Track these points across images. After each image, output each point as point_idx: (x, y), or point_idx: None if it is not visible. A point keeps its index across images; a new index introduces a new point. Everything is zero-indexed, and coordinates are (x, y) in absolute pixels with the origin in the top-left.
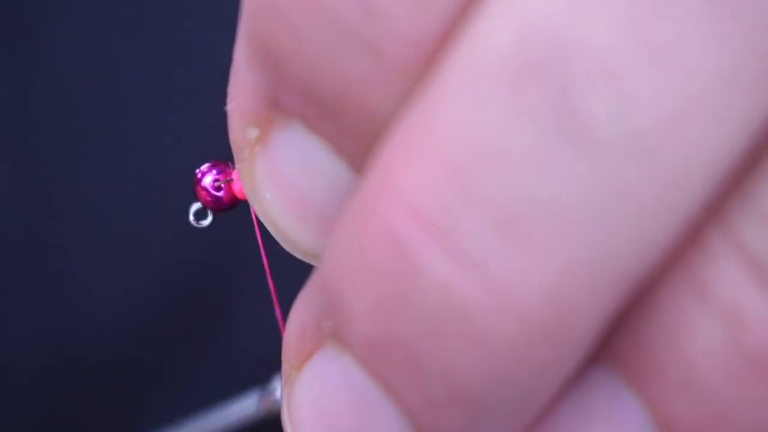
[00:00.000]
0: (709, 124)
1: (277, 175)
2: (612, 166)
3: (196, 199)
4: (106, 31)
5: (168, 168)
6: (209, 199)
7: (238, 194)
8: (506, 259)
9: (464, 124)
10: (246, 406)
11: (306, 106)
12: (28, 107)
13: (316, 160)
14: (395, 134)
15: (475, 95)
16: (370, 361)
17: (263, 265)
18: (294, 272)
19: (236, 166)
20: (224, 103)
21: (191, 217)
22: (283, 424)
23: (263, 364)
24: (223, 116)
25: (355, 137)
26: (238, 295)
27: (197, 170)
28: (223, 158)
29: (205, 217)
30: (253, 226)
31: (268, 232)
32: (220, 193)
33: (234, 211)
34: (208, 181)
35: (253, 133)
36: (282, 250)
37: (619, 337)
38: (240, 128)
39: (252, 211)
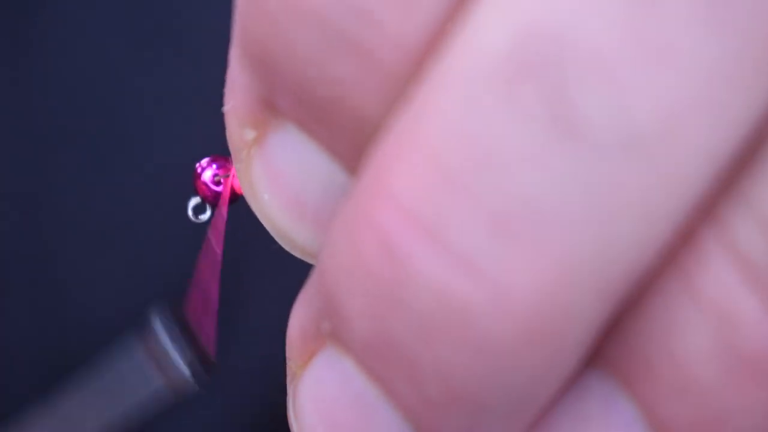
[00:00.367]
0: (704, 122)
1: (274, 176)
2: (607, 166)
3: (194, 195)
4: (106, 31)
5: (168, 169)
6: (209, 193)
7: (238, 190)
8: (500, 260)
9: (457, 125)
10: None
11: (298, 109)
12: (26, 108)
13: (311, 162)
14: (387, 137)
15: (468, 96)
16: (367, 362)
17: (263, 268)
18: (295, 271)
19: (234, 166)
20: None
21: (190, 212)
22: (289, 422)
23: (263, 365)
24: (222, 117)
25: (348, 140)
26: (238, 299)
27: (197, 164)
28: (224, 155)
29: (203, 211)
30: (252, 229)
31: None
32: (220, 188)
33: (233, 214)
34: (207, 175)
35: (250, 134)
36: (280, 249)
37: (613, 341)
38: (236, 129)
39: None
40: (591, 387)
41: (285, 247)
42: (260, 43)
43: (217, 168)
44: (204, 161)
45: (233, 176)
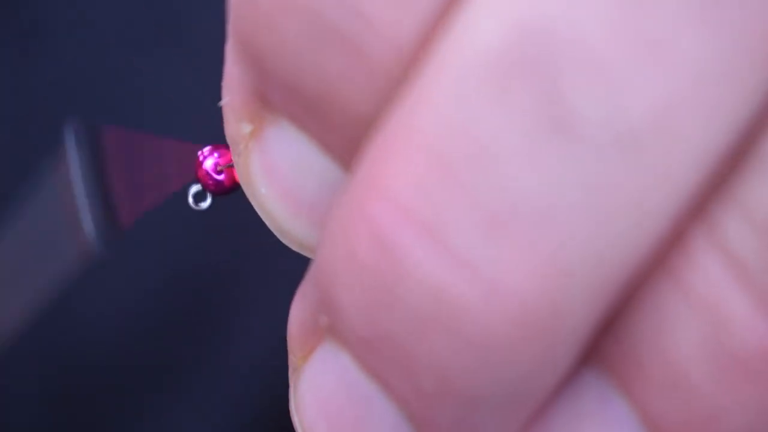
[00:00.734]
0: (698, 119)
1: (271, 170)
2: (600, 164)
3: (195, 182)
4: (107, 26)
5: None
6: (210, 182)
7: (239, 180)
8: (494, 256)
9: (451, 121)
10: None
11: (290, 104)
12: (27, 104)
13: (305, 157)
14: (381, 133)
15: (461, 91)
16: (363, 356)
17: (263, 270)
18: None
19: (233, 160)
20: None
21: (190, 199)
22: (291, 415)
23: (264, 365)
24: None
25: (340, 135)
26: (237, 300)
27: (199, 152)
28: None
29: (204, 199)
30: (251, 232)
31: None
32: (221, 177)
33: (232, 216)
34: (209, 164)
35: (246, 128)
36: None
37: (607, 340)
38: (233, 123)
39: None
40: (586, 385)
41: (283, 240)
42: (252, 38)
43: (219, 157)
44: (206, 149)
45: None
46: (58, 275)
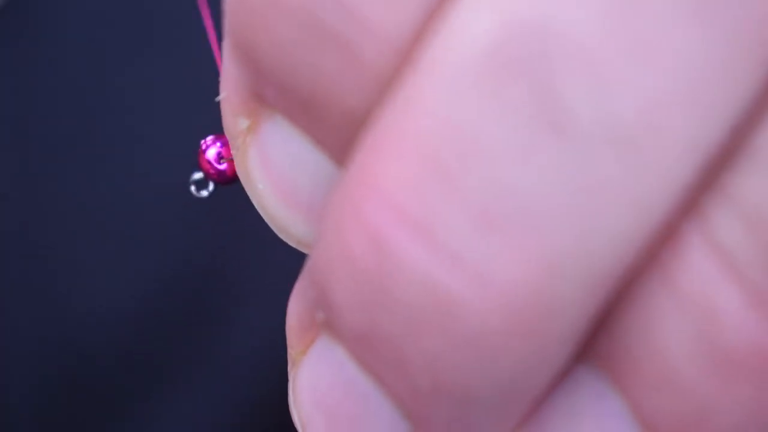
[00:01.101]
0: (689, 116)
1: (267, 166)
2: (593, 158)
3: (198, 168)
4: (101, 25)
5: (166, 164)
6: (212, 171)
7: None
8: (487, 251)
9: (443, 117)
10: None
11: (284, 100)
12: (23, 104)
13: (300, 152)
14: (373, 130)
15: (454, 88)
16: (358, 352)
17: (262, 263)
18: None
19: (232, 154)
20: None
21: (192, 187)
22: (290, 409)
23: (262, 359)
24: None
25: (334, 132)
26: (237, 293)
27: (202, 141)
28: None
29: (205, 187)
30: (250, 226)
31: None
32: (223, 167)
33: (231, 212)
34: (212, 153)
35: (243, 123)
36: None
37: (601, 336)
38: (231, 118)
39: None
40: (581, 382)
41: (281, 236)
42: (246, 36)
43: (222, 146)
44: (209, 139)
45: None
46: None
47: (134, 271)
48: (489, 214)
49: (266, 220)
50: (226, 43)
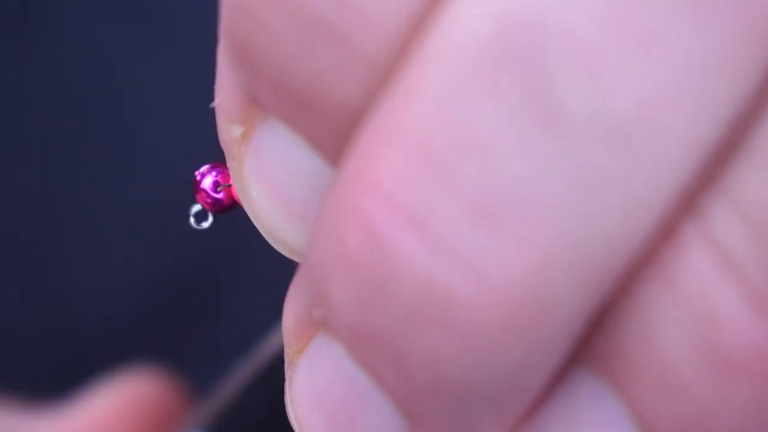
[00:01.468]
0: (685, 112)
1: (262, 173)
2: (589, 153)
3: (195, 200)
4: (107, 26)
5: (167, 161)
6: (209, 200)
7: (237, 198)
8: (484, 246)
9: (440, 112)
10: None
11: (280, 101)
12: (27, 103)
13: (295, 156)
14: (369, 125)
15: (450, 83)
16: (356, 350)
17: (259, 258)
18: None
19: (228, 165)
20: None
21: (191, 219)
22: (286, 408)
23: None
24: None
25: (330, 131)
26: (234, 285)
27: (197, 172)
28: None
29: (205, 218)
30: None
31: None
32: (220, 195)
33: (230, 220)
34: (207, 183)
35: (238, 130)
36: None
37: (600, 337)
38: (225, 125)
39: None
40: (580, 385)
41: (275, 246)
42: (242, 34)
43: (217, 175)
44: (204, 168)
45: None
46: None
47: (133, 264)
48: (485, 207)
49: (260, 229)
50: (222, 45)
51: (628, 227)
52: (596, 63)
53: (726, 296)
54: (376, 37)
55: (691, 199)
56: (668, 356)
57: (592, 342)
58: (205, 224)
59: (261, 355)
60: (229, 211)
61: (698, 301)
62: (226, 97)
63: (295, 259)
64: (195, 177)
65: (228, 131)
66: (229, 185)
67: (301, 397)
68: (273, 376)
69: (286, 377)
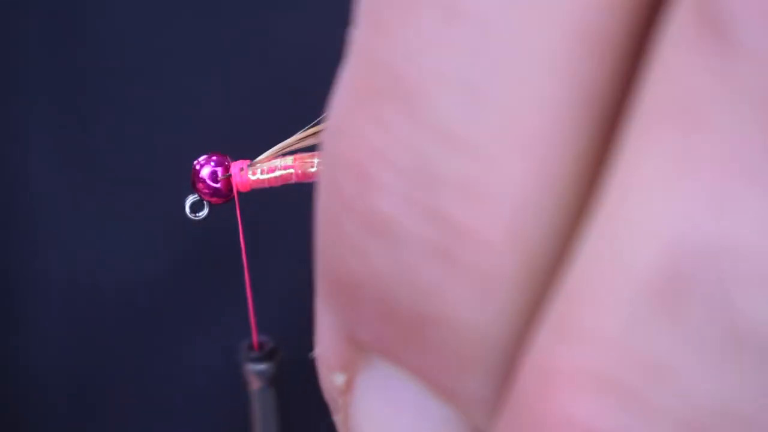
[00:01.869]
0: None
1: (369, 419)
2: None
3: (192, 190)
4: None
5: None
6: (207, 190)
7: (235, 188)
8: None
9: (624, 349)
10: None
11: (386, 334)
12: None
13: (405, 399)
14: (533, 360)
15: (629, 315)
16: None
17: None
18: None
19: (333, 417)
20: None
21: (187, 210)
22: None
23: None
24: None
25: (442, 357)
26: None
27: (195, 162)
28: (223, 148)
29: (201, 208)
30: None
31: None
32: (218, 185)
33: (227, 212)
34: (206, 172)
35: (339, 378)
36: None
37: None
38: (326, 375)
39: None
40: None
41: None
42: (340, 268)
43: (215, 165)
44: (202, 158)
45: (233, 174)
46: None
47: (150, 230)
48: (688, 428)
49: None
50: (319, 291)
51: None
52: None
53: None
54: (482, 251)
55: None
56: None
57: None
58: (201, 214)
59: None
60: (227, 201)
61: None
62: (326, 347)
63: None
64: (193, 167)
65: (330, 381)
66: (229, 175)
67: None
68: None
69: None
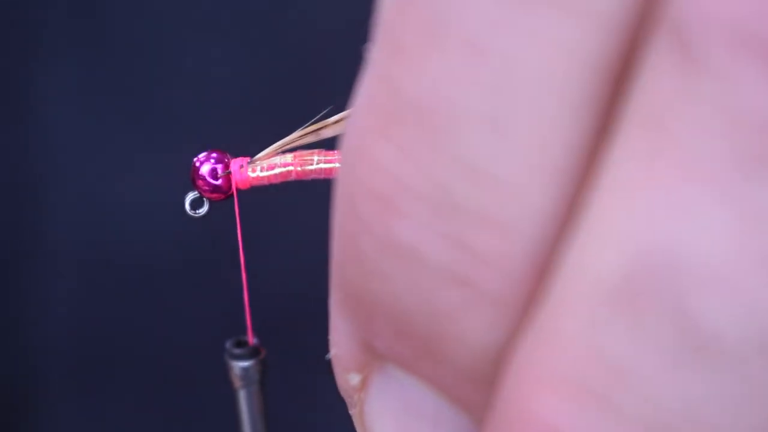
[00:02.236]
0: None
1: (385, 422)
2: (743, 371)
3: (192, 186)
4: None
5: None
6: (206, 187)
7: (234, 185)
8: None
9: (588, 347)
10: None
11: (399, 348)
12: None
13: (415, 398)
14: (512, 364)
15: (592, 319)
16: None
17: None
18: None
19: (350, 411)
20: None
21: (187, 207)
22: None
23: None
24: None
25: (454, 371)
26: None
27: (195, 159)
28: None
29: (201, 205)
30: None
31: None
32: (218, 182)
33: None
34: (205, 170)
35: (354, 378)
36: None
37: None
38: (342, 375)
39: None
40: None
41: None
42: (358, 284)
43: (215, 162)
44: (202, 156)
45: (233, 171)
46: None
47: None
48: (655, 428)
49: None
50: (334, 298)
51: None
52: (738, 285)
53: None
54: (495, 276)
55: None
56: None
57: None
58: (201, 211)
59: None
60: (227, 198)
61: None
62: (341, 349)
63: None
64: (193, 164)
65: (345, 380)
66: (229, 172)
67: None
68: None
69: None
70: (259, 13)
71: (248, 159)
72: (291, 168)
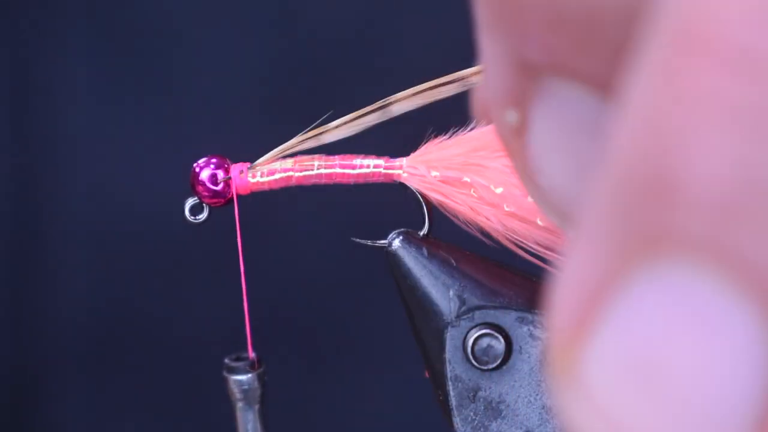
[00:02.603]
0: None
1: (552, 158)
2: None
3: (192, 192)
4: None
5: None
6: (206, 193)
7: (234, 190)
8: None
9: None
10: None
11: (556, 39)
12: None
13: (579, 114)
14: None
15: None
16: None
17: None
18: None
19: (509, 161)
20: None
21: (187, 212)
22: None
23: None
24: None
25: (615, 48)
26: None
27: (195, 164)
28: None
29: (201, 211)
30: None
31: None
32: (218, 188)
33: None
34: (205, 175)
35: (512, 116)
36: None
37: None
38: (500, 117)
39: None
40: None
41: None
42: None
43: (215, 168)
44: (201, 161)
45: (233, 177)
46: None
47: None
48: None
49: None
50: (482, 26)
51: None
52: None
53: None
54: None
55: None
56: None
57: None
58: (201, 217)
59: None
60: (227, 204)
61: None
62: (496, 83)
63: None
64: (193, 169)
65: (503, 121)
66: (228, 178)
67: (608, 369)
68: None
69: (560, 376)
70: (261, 19)
71: (248, 164)
72: (291, 173)
